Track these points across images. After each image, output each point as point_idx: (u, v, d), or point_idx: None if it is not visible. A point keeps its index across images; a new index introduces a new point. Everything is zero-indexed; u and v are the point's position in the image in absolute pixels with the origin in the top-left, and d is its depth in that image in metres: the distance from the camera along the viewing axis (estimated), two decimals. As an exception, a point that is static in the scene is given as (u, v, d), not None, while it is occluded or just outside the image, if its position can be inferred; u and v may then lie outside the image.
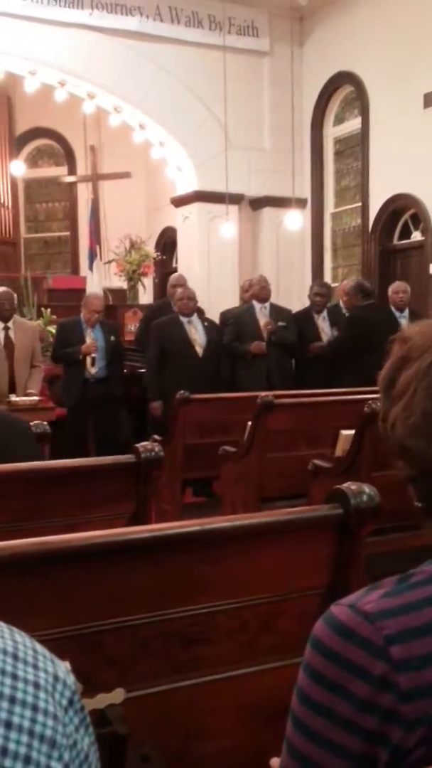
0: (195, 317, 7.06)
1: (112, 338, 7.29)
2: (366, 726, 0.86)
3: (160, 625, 1.54)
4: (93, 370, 7.07)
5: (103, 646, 1.49)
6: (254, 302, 7.61)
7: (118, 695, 1.44)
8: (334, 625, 0.90)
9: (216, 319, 7.95)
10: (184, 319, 6.98)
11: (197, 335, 6.97)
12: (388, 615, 0.88)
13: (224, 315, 8.23)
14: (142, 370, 7.58)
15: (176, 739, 1.55)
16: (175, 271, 11.49)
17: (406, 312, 7.35)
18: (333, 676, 0.88)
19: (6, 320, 6.82)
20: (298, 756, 0.91)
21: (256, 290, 7.66)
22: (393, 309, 7.37)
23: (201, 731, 1.57)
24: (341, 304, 7.88)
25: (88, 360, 7.01)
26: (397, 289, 7.45)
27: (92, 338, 7.06)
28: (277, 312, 7.61)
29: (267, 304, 7.59)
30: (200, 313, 7.38)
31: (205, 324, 7.14)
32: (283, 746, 0.94)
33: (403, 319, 7.32)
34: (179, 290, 7.23)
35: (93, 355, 7.00)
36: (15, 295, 8.96)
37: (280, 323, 7.44)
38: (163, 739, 1.52)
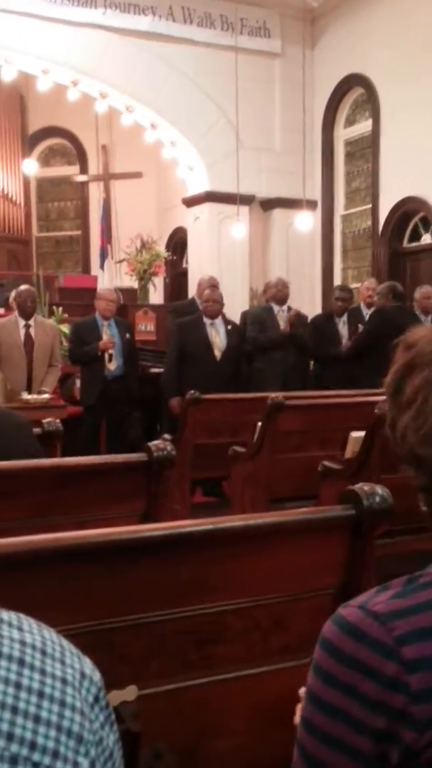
0: (219, 320, 7.03)
1: (128, 335, 7.31)
2: (377, 727, 0.85)
3: (173, 623, 1.54)
4: (112, 367, 7.08)
5: (116, 644, 1.49)
6: (272, 304, 7.61)
7: (131, 692, 1.45)
8: (344, 627, 0.90)
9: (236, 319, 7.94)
10: (207, 321, 6.96)
11: (218, 338, 6.94)
12: (398, 616, 0.88)
13: (245, 315, 8.23)
14: (154, 370, 7.57)
15: (188, 737, 1.56)
16: (186, 271, 11.53)
17: (431, 316, 7.35)
18: (344, 678, 0.88)
19: (28, 318, 6.86)
20: (309, 758, 0.91)
21: (274, 292, 7.66)
22: (419, 313, 7.37)
23: (213, 730, 1.57)
24: (362, 305, 7.88)
25: (107, 357, 7.02)
26: (428, 293, 7.42)
27: (109, 335, 7.07)
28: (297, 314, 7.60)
29: (285, 307, 7.56)
30: (224, 315, 7.35)
31: (228, 327, 7.09)
32: (295, 748, 0.94)
33: (428, 323, 7.31)
34: (207, 291, 7.20)
35: (111, 351, 7.01)
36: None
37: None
38: (175, 736, 1.52)
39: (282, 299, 7.57)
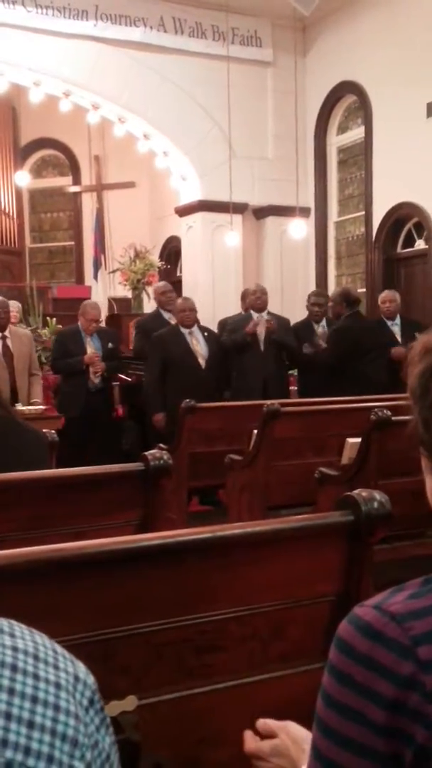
0: (195, 328, 7.02)
1: (110, 345, 7.30)
2: (392, 726, 0.85)
3: (172, 632, 1.54)
4: (96, 380, 7.06)
5: (115, 654, 1.49)
6: (252, 311, 7.58)
7: (130, 702, 1.45)
8: (360, 626, 0.89)
9: (214, 327, 7.94)
10: (185, 331, 6.94)
11: (199, 346, 6.93)
12: (415, 616, 0.87)
13: (222, 323, 8.21)
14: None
15: (188, 746, 1.55)
16: (180, 280, 11.53)
17: (398, 319, 7.34)
18: (359, 678, 0.87)
19: (2, 329, 6.85)
20: (324, 760, 0.90)
21: (252, 300, 7.59)
22: (383, 318, 7.37)
23: (213, 738, 1.57)
24: (330, 312, 7.83)
25: (91, 370, 7.00)
26: (384, 298, 7.43)
27: (93, 348, 7.05)
28: (275, 321, 7.54)
29: (264, 314, 7.45)
30: (198, 323, 7.35)
31: (205, 334, 7.10)
32: (310, 750, 0.93)
33: (395, 327, 7.31)
34: (179, 301, 7.19)
35: (96, 368, 6.99)
36: (19, 305, 9.03)
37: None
38: (175, 746, 1.52)
39: (261, 307, 7.46)
